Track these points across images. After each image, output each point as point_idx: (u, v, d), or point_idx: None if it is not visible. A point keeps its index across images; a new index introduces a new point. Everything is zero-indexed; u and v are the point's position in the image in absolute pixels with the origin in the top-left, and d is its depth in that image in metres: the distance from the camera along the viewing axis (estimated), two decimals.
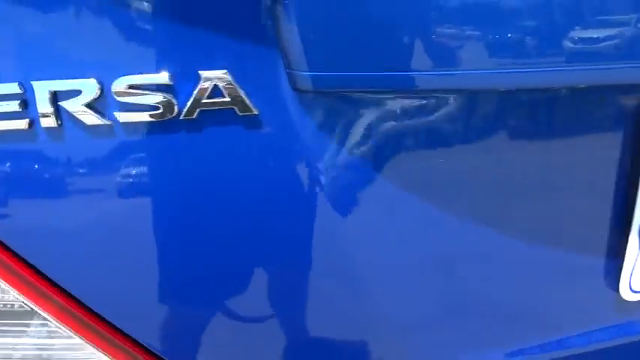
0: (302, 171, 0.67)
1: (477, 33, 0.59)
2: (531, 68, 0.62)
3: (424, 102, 0.66)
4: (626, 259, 0.77)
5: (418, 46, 0.59)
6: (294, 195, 0.67)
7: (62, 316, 0.73)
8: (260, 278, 0.73)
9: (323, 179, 0.68)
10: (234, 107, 0.65)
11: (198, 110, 0.64)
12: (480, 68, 0.61)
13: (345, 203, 0.68)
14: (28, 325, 0.75)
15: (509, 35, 0.59)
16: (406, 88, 0.62)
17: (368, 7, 0.58)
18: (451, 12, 0.59)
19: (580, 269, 0.78)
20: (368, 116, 0.66)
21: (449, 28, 0.60)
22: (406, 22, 0.58)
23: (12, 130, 0.65)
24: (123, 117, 0.65)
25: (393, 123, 0.66)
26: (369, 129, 0.66)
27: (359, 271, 0.71)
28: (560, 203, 0.75)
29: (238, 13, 0.63)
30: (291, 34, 0.61)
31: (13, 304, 0.74)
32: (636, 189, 0.73)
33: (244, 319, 0.74)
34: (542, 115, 0.71)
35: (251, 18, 0.63)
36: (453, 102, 0.66)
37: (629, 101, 0.70)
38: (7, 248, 0.71)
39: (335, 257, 0.70)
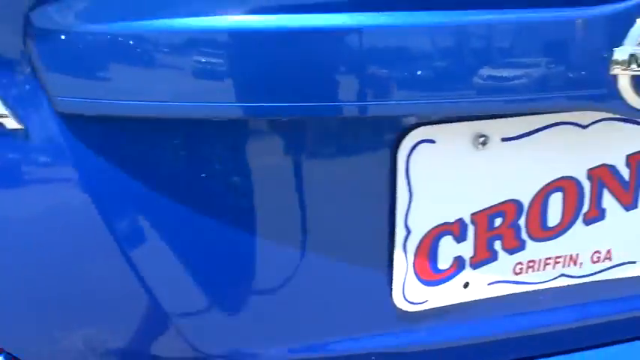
0: (63, 187, 0.73)
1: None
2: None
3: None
4: (394, 272, 0.82)
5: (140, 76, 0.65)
6: (54, 205, 0.73)
7: None
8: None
9: (82, 195, 0.73)
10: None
11: None
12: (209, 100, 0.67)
13: (95, 214, 0.73)
14: None
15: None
16: (143, 114, 0.68)
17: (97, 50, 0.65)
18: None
19: (359, 281, 0.82)
20: (113, 137, 0.71)
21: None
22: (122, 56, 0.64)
23: None
24: None
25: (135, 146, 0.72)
26: (118, 149, 0.72)
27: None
28: (337, 221, 0.79)
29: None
30: (40, 64, 0.67)
31: None
32: (394, 211, 0.78)
33: None
34: (314, 142, 0.76)
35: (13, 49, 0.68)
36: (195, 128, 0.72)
37: (386, 132, 0.75)
38: None
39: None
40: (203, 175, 0.71)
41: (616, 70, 0.67)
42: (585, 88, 0.68)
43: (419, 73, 0.66)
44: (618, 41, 0.66)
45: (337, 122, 0.74)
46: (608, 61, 0.67)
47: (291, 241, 0.78)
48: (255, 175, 0.75)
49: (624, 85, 0.68)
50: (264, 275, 0.80)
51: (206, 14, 0.65)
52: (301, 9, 0.66)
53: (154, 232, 0.76)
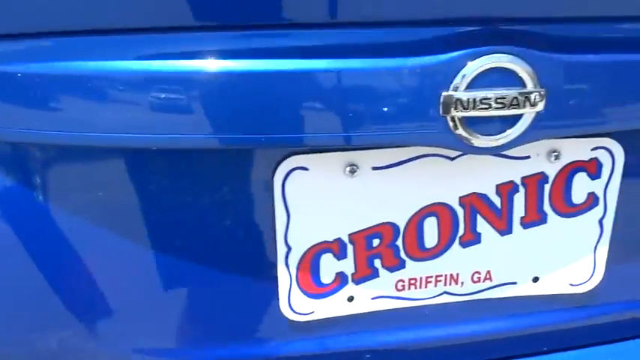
0: None
1: None
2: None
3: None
4: (279, 285, 0.92)
5: None
6: None
7: None
8: None
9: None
10: None
11: None
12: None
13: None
14: None
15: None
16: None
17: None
18: None
19: (251, 292, 0.92)
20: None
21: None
22: None
23: None
24: None
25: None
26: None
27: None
28: (229, 238, 0.89)
29: None
30: None
31: None
32: (274, 231, 0.88)
33: None
34: (204, 167, 0.85)
35: None
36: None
37: (265, 160, 0.85)
38: None
39: None
40: (100, 194, 0.83)
41: (443, 112, 0.77)
42: (422, 126, 0.78)
43: (281, 113, 0.77)
44: (447, 86, 0.76)
45: (224, 151, 0.85)
46: (438, 104, 0.77)
47: (190, 255, 0.89)
48: (153, 196, 0.87)
49: (454, 124, 0.78)
50: (165, 285, 0.91)
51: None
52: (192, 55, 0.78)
53: (69, 248, 0.88)
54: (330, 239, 0.91)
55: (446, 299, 0.99)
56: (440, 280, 0.98)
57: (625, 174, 0.95)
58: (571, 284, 1.02)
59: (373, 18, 0.74)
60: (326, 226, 0.90)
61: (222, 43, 0.75)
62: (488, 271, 0.99)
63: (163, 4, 0.74)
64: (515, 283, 1.00)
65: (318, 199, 0.88)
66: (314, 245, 0.91)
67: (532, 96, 0.77)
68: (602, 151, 0.94)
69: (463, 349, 1.02)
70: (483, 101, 0.76)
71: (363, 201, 0.90)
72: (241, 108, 0.76)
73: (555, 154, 0.92)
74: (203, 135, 0.78)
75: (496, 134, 0.79)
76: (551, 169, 0.93)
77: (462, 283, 0.99)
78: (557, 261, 1.00)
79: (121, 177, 0.83)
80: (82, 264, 0.87)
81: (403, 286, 0.97)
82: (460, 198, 0.93)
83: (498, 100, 0.76)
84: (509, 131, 0.79)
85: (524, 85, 0.77)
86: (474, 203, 0.94)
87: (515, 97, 0.77)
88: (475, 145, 0.79)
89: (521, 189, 0.94)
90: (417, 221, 0.93)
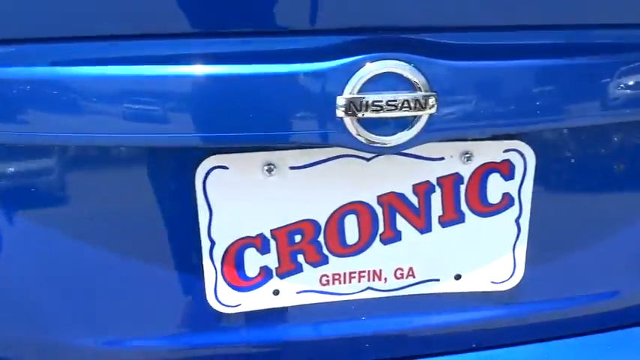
0: None
1: None
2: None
3: None
4: (205, 278, 0.98)
5: None
6: None
7: None
8: None
9: None
10: None
11: None
12: None
13: None
14: None
15: None
16: None
17: None
18: None
19: (181, 284, 0.99)
20: None
21: None
22: None
23: None
24: None
25: None
26: None
27: None
28: (158, 232, 0.95)
29: None
30: None
31: None
32: (198, 225, 0.94)
33: None
34: (133, 166, 0.92)
35: None
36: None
37: (188, 159, 0.91)
38: None
39: None
40: (33, 190, 0.91)
41: (340, 114, 0.82)
42: (324, 128, 0.83)
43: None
44: (342, 90, 0.82)
45: (148, 149, 0.92)
46: (335, 107, 0.82)
47: (118, 249, 0.95)
48: (85, 191, 0.93)
49: (350, 125, 0.83)
50: (94, 279, 0.97)
51: None
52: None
53: None
54: (253, 234, 0.97)
55: (371, 294, 1.04)
56: (363, 276, 1.03)
57: (537, 175, 0.99)
58: (493, 282, 1.05)
59: (274, 27, 0.81)
60: (248, 222, 0.96)
61: (137, 50, 0.83)
62: (411, 268, 1.03)
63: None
64: (438, 280, 1.04)
65: (239, 197, 0.94)
66: (237, 240, 0.96)
67: (423, 99, 0.83)
68: (514, 153, 0.98)
69: (390, 344, 1.06)
70: (375, 104, 0.82)
71: (283, 199, 0.96)
72: (149, 111, 0.82)
73: (467, 155, 0.97)
74: (122, 134, 0.85)
75: (392, 135, 0.85)
76: (465, 170, 0.98)
77: (386, 279, 1.03)
78: (478, 259, 1.04)
79: (49, 175, 0.90)
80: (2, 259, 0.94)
81: (327, 280, 1.02)
82: (378, 197, 0.98)
83: (389, 103, 0.82)
84: (405, 132, 0.85)
85: (415, 89, 0.83)
86: (392, 202, 0.99)
87: (406, 100, 0.82)
88: (375, 144, 0.85)
89: (438, 189, 0.99)
90: (337, 219, 0.98)
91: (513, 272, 1.05)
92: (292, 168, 0.94)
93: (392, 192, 0.98)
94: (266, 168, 0.93)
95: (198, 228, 0.94)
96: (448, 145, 0.96)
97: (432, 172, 0.97)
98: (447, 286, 1.04)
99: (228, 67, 0.81)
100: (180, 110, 0.84)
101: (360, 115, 0.82)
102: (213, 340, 1.01)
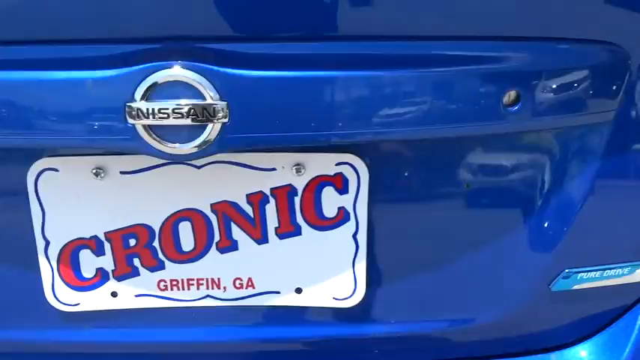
0: None
1: None
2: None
3: None
4: (42, 276, 1.00)
5: None
6: None
7: None
8: None
9: None
10: None
11: None
12: None
13: None
14: None
15: None
16: None
17: None
18: None
19: (23, 281, 1.01)
20: None
21: None
22: None
23: None
24: None
25: None
26: None
27: None
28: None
29: None
30: None
31: None
32: (32, 225, 0.97)
33: None
34: None
35: None
36: None
37: (21, 160, 0.93)
38: None
39: None
40: None
41: (131, 120, 0.84)
42: (118, 134, 0.85)
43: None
44: (129, 97, 0.84)
45: None
46: (124, 113, 0.84)
47: None
48: None
49: (142, 132, 0.85)
50: None
51: None
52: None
53: None
54: (87, 236, 0.99)
55: (210, 303, 1.04)
56: (202, 284, 1.03)
57: (372, 190, 0.97)
58: (335, 298, 1.03)
59: (69, 35, 0.84)
60: (81, 224, 0.99)
61: None
62: (250, 279, 1.03)
63: None
64: (278, 292, 1.04)
65: (71, 199, 0.97)
66: (71, 241, 0.99)
67: (211, 108, 0.83)
68: (346, 166, 0.97)
69: (230, 355, 1.06)
70: (162, 111, 0.83)
71: (115, 203, 0.98)
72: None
73: (298, 167, 0.96)
74: None
75: (184, 143, 0.85)
76: (299, 182, 0.98)
77: (225, 288, 1.03)
78: (318, 273, 1.03)
79: None
80: None
81: (165, 286, 1.03)
82: (212, 205, 0.99)
83: (175, 111, 0.83)
84: (196, 140, 0.85)
85: (203, 98, 0.84)
86: (226, 211, 0.99)
87: (192, 109, 0.83)
88: (167, 152, 0.86)
89: (272, 200, 0.99)
90: (171, 225, 1.00)
91: (355, 289, 1.03)
92: (123, 173, 0.97)
93: (225, 201, 0.99)
94: (95, 172, 0.96)
95: (33, 227, 0.99)
96: (279, 155, 0.96)
97: (264, 183, 0.97)
98: (288, 299, 1.03)
99: (30, 74, 0.85)
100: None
101: (147, 122, 0.84)
102: (52, 338, 1.04)
